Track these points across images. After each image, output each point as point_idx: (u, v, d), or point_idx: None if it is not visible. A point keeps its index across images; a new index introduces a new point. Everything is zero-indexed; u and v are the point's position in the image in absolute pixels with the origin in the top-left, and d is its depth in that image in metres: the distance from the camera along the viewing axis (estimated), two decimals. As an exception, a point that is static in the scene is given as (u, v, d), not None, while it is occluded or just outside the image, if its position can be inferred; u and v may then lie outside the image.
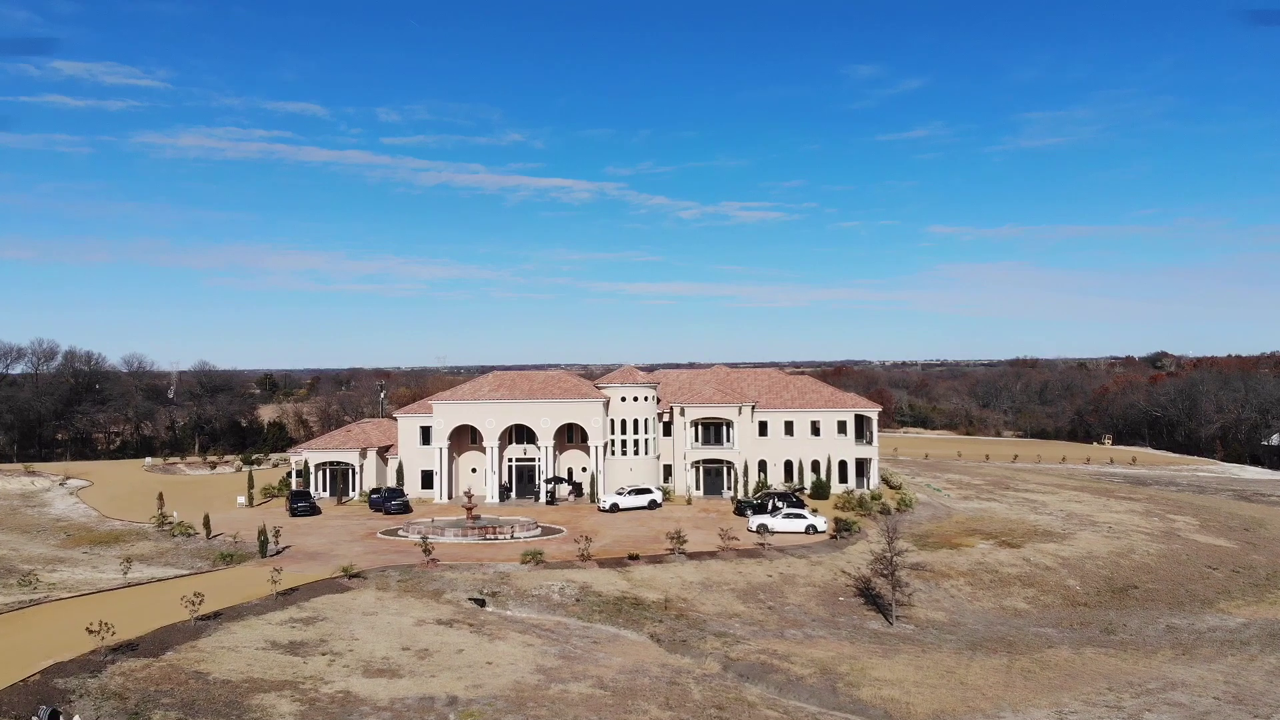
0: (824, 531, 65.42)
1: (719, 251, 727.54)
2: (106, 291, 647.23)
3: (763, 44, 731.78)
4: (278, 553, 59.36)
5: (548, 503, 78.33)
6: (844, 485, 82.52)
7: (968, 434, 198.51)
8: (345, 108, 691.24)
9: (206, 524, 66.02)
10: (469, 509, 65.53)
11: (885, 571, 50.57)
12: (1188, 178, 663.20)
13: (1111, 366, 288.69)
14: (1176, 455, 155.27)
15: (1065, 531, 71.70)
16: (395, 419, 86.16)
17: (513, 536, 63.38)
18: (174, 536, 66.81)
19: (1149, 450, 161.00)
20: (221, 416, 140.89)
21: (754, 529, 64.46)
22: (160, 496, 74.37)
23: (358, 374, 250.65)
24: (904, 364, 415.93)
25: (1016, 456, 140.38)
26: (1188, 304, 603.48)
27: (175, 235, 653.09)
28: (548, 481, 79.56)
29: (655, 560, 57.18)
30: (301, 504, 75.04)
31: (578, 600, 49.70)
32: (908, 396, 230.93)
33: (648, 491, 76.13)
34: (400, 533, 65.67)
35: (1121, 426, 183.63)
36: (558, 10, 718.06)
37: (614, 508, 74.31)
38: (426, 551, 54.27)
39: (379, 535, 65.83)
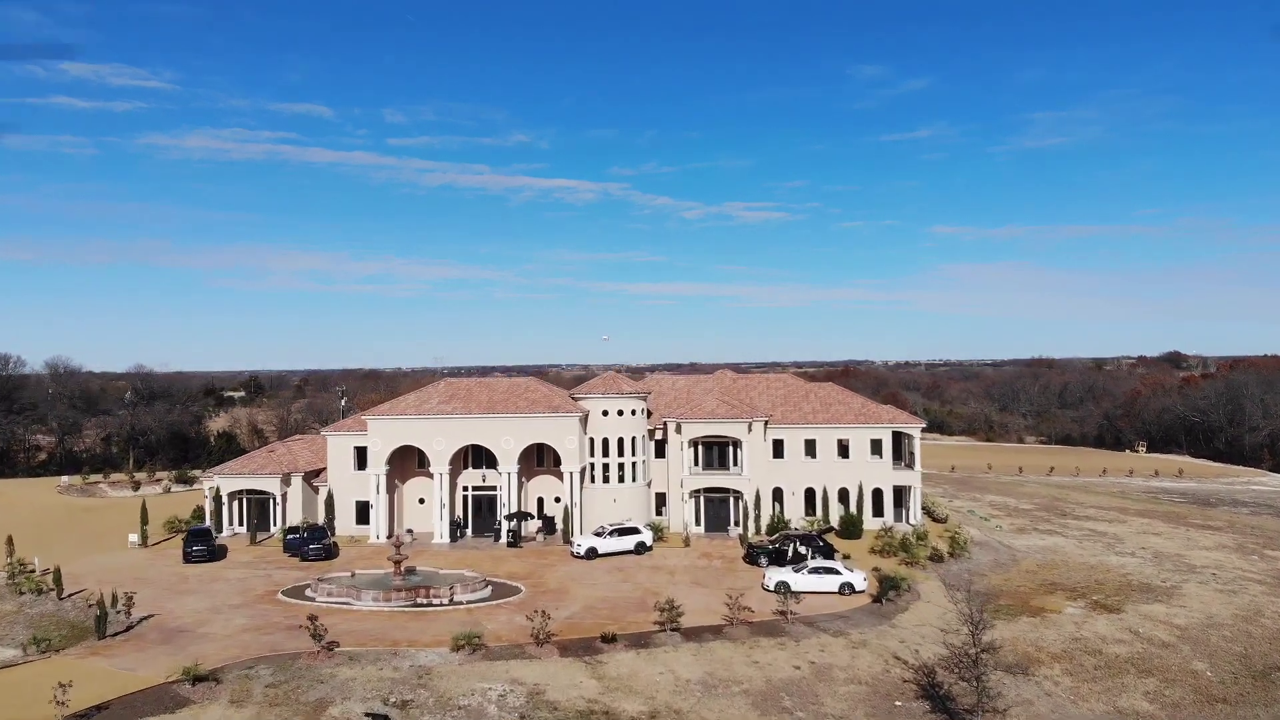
0: (863, 590, 49.91)
1: (722, 252, 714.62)
2: (106, 293, 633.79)
3: (767, 45, 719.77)
4: (128, 628, 43.80)
5: (509, 544, 62.58)
6: (879, 519, 66.82)
7: (988, 440, 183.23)
8: (351, 109, 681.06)
9: (58, 579, 50.43)
10: (397, 562, 49.98)
11: (966, 674, 35.06)
12: (1190, 177, 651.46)
13: (1133, 367, 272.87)
14: (1221, 465, 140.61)
15: (1166, 584, 56.30)
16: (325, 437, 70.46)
17: (452, 601, 47.84)
18: (20, 594, 51.47)
19: (1191, 459, 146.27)
20: (160, 427, 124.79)
21: (772, 587, 49.00)
22: (10, 540, 58.51)
23: (350, 375, 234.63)
24: (907, 364, 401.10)
25: (1053, 469, 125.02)
26: (1192, 303, 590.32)
27: (178, 236, 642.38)
28: (509, 518, 63.47)
29: (639, 642, 41.71)
30: (198, 548, 59.29)
31: (523, 718, 34.23)
32: (921, 400, 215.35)
33: (634, 531, 60.52)
34: (309, 592, 50.21)
35: (1155, 432, 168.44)
36: (563, 12, 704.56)
37: (591, 552, 58.75)
38: (317, 637, 38.67)
39: (279, 596, 50.23)
